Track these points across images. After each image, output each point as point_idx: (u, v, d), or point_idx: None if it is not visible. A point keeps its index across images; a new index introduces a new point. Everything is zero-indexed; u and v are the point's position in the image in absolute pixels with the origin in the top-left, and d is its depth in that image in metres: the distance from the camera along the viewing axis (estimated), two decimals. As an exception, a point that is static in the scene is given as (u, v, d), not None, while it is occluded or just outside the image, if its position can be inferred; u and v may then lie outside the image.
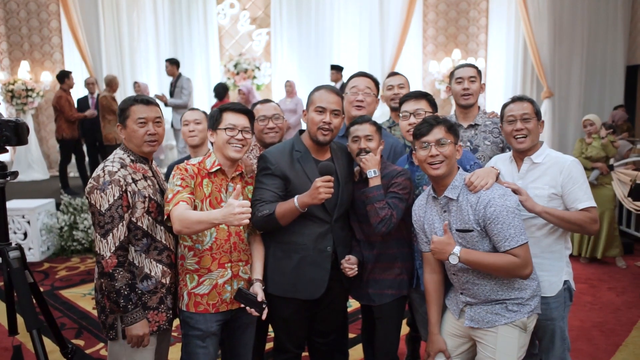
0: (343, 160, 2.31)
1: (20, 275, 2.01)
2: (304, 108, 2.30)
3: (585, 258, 5.07)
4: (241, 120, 2.08)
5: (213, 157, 2.10)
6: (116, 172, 1.95)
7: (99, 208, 1.91)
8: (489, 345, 1.99)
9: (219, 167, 2.08)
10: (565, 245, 2.24)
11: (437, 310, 2.15)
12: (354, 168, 2.36)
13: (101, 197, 1.90)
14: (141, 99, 2.06)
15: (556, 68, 8.19)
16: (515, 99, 2.28)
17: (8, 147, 2.11)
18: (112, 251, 1.90)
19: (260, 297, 2.04)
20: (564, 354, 2.24)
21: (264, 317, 2.04)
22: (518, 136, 2.20)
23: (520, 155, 2.24)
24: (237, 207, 1.75)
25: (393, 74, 3.14)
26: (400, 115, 2.42)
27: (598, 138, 5.06)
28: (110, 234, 1.90)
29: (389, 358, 2.33)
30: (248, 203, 1.81)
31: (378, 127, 2.29)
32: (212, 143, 2.15)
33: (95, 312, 3.97)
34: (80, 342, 3.45)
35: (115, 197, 1.91)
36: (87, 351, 3.35)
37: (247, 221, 1.79)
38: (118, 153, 2.06)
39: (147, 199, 2.01)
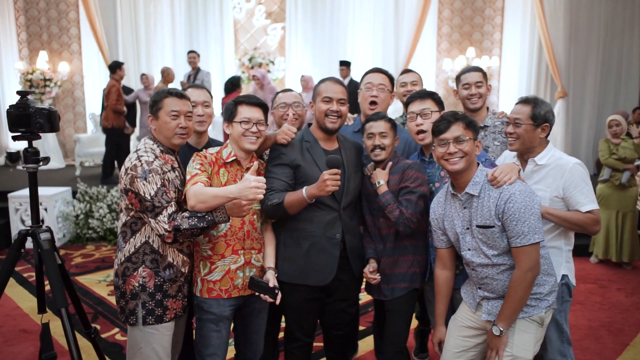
0: (350, 151, 2.38)
1: (51, 256, 2.07)
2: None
3: (597, 259, 5.04)
4: (255, 114, 2.16)
5: (229, 148, 2.18)
6: (152, 162, 1.97)
7: (144, 195, 1.92)
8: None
9: (234, 157, 2.16)
10: (566, 241, 2.26)
11: (444, 304, 2.20)
12: (362, 159, 2.43)
13: (143, 184, 1.92)
14: (175, 92, 2.09)
15: (571, 68, 8.12)
16: (518, 102, 2.31)
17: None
18: (166, 223, 1.90)
19: (272, 283, 2.11)
20: (562, 346, 2.25)
21: (277, 302, 2.10)
22: (509, 139, 2.26)
23: (523, 157, 2.27)
24: (253, 181, 1.84)
25: (406, 71, 3.16)
26: (407, 117, 2.43)
27: (627, 138, 4.91)
28: (161, 212, 1.91)
29: (398, 350, 2.35)
30: (264, 179, 1.90)
31: (393, 124, 2.33)
32: (228, 135, 2.22)
33: (110, 299, 4.07)
34: (96, 327, 3.52)
35: (159, 185, 1.93)
36: (103, 335, 3.44)
37: (262, 196, 1.89)
38: (148, 143, 2.08)
39: (177, 190, 2.06)
